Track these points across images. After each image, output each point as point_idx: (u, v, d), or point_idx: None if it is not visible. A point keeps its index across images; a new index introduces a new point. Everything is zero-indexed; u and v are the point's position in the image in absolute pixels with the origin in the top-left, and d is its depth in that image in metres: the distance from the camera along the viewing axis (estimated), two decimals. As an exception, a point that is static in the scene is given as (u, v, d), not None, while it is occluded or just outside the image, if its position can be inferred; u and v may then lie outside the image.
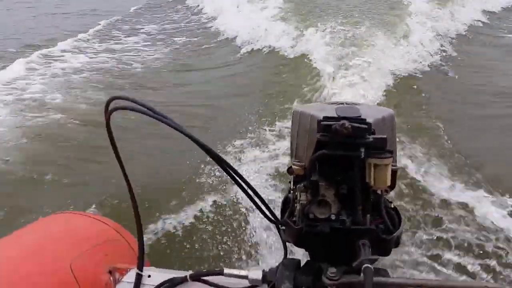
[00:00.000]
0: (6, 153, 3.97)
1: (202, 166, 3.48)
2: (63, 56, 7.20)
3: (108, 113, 0.95)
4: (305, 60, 6.06)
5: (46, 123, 4.65)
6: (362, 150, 0.90)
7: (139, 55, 7.55)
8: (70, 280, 1.23)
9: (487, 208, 2.99)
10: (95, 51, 7.70)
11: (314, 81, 5.30)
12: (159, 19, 10.55)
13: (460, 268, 2.61)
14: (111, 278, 1.32)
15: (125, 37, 8.77)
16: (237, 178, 1.03)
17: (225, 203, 3.09)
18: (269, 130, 4.17)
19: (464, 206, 3.03)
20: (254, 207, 1.11)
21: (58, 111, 4.91)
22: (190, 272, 1.22)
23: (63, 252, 1.33)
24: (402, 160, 3.41)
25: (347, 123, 0.88)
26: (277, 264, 1.08)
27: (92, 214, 1.96)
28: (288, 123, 3.24)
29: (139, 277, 1.26)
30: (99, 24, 9.59)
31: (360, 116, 0.95)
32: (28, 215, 2.75)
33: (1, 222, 3.03)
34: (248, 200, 1.10)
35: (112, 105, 0.95)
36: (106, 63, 7.00)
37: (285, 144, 3.75)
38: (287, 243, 1.22)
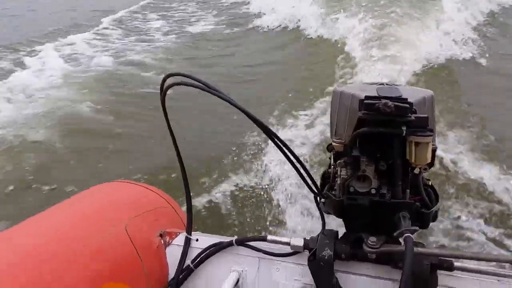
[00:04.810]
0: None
1: (246, 139, 3.63)
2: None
3: (164, 89, 1.02)
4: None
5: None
6: (404, 128, 0.93)
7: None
8: (126, 242, 1.31)
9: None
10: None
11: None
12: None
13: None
14: (162, 241, 1.41)
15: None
16: (286, 150, 1.08)
17: (268, 176, 3.18)
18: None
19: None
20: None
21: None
22: (236, 237, 1.29)
23: (118, 216, 1.40)
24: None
25: (390, 102, 0.91)
26: (316, 234, 1.15)
27: (140, 183, 2.06)
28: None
29: (188, 241, 1.36)
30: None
31: (401, 96, 0.97)
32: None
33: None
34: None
35: (167, 82, 1.00)
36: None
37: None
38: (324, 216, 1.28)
